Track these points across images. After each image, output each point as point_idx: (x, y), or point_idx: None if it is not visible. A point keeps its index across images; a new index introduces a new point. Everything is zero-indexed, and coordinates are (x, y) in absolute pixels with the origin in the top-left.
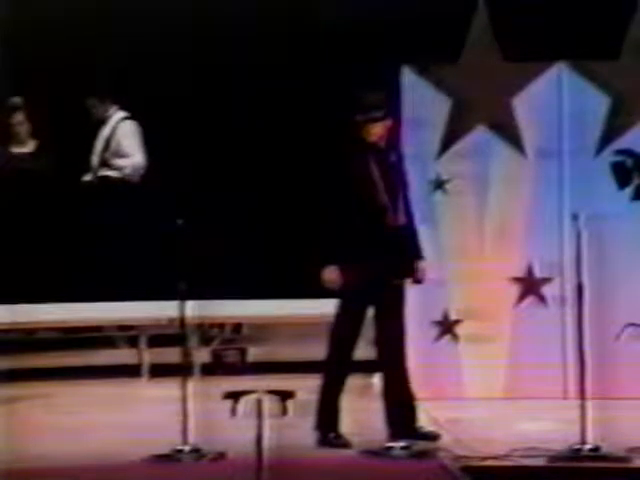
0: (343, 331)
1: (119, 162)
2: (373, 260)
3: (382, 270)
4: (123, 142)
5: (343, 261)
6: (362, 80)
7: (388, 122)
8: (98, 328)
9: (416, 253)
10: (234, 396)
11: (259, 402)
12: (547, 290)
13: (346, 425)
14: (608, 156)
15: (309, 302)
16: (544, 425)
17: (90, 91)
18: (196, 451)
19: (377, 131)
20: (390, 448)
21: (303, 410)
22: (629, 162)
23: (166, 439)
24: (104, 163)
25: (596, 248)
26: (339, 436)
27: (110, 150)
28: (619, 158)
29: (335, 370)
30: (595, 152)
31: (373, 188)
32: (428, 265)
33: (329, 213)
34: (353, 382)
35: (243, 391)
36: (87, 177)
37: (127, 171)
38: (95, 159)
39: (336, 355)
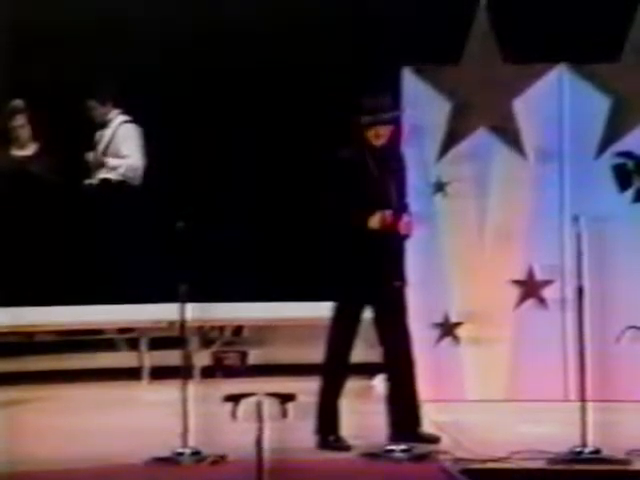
0: (339, 334)
1: (113, 162)
2: (370, 262)
3: (379, 272)
4: (122, 144)
5: (341, 264)
6: (362, 81)
7: (394, 125)
8: (98, 331)
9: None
10: (234, 399)
11: (259, 405)
12: (548, 292)
13: (346, 428)
14: (609, 158)
15: (309, 305)
16: (545, 428)
17: (91, 94)
18: (196, 454)
19: (383, 134)
20: (390, 451)
21: (303, 413)
22: (630, 164)
23: (166, 442)
24: (101, 164)
25: (597, 250)
26: (339, 439)
27: (108, 152)
28: (620, 160)
29: (333, 373)
30: (596, 154)
31: (374, 191)
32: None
33: (330, 215)
34: (353, 385)
35: (243, 394)
36: (88, 180)
37: (121, 171)
38: (93, 161)
39: (333, 358)
